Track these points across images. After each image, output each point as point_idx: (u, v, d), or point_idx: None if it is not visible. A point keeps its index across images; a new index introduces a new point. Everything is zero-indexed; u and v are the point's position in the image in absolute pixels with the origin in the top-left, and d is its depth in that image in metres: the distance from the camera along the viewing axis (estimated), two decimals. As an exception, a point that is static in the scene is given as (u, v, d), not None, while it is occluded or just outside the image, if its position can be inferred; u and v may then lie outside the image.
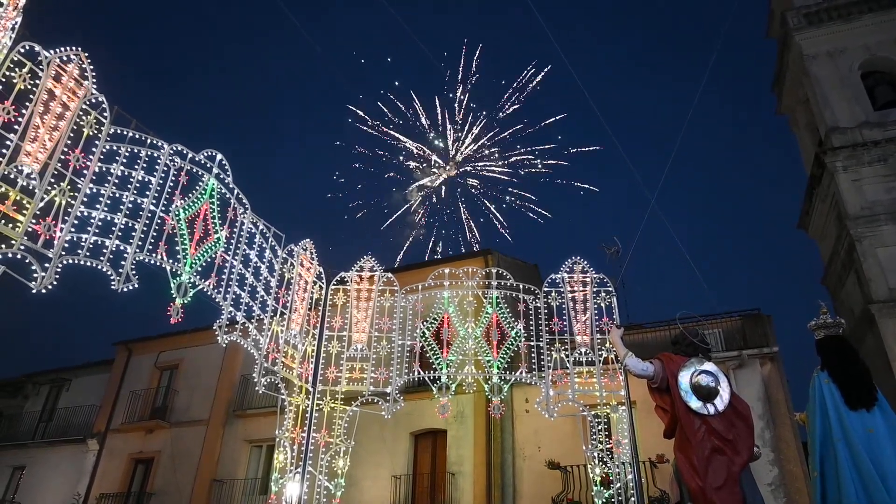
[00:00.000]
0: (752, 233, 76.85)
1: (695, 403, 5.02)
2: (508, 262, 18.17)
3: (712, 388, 5.07)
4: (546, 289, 9.59)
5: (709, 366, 5.23)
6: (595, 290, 9.45)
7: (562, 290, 9.51)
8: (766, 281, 70.39)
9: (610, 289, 9.47)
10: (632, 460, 8.40)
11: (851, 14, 19.35)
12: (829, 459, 4.86)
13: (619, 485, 8.54)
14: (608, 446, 8.83)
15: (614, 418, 9.03)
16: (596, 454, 8.71)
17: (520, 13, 74.20)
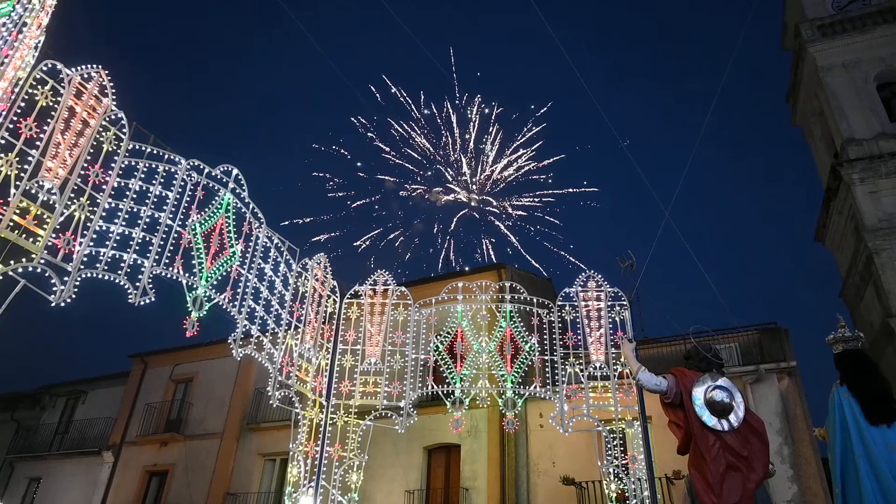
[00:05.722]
0: (768, 245, 76.20)
1: (709, 419, 4.96)
2: (522, 275, 18.12)
3: (727, 404, 5.01)
4: (560, 303, 9.56)
5: (723, 381, 5.17)
6: (609, 303, 9.41)
7: (576, 304, 9.48)
8: (783, 294, 69.70)
9: (624, 302, 9.42)
10: (647, 476, 8.31)
11: (866, 26, 19.24)
12: (850, 475, 4.78)
13: (634, 501, 8.45)
14: (623, 462, 8.75)
15: (630, 433, 8.96)
16: (611, 470, 8.63)
17: (528, 21, 74.56)
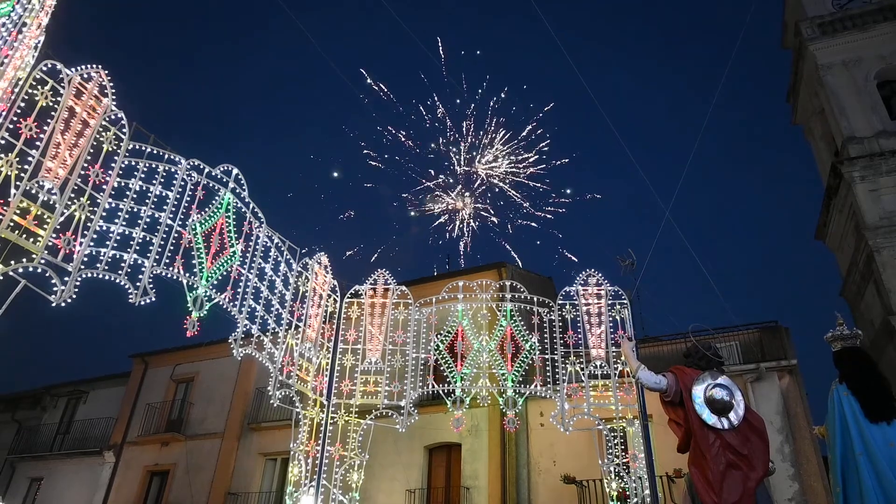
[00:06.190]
0: (769, 244, 76.18)
1: (709, 417, 4.96)
2: (522, 274, 18.12)
3: (727, 402, 5.01)
4: (560, 301, 9.56)
5: (723, 379, 5.17)
6: (610, 302, 9.42)
7: (576, 302, 9.48)
8: (784, 293, 69.70)
9: (625, 301, 9.43)
10: (648, 475, 8.31)
11: (866, 24, 19.22)
12: (851, 474, 4.78)
13: (635, 500, 8.45)
14: (624, 461, 8.75)
15: (630, 432, 8.96)
16: (612, 469, 8.63)
17: (528, 23, 74.57)
